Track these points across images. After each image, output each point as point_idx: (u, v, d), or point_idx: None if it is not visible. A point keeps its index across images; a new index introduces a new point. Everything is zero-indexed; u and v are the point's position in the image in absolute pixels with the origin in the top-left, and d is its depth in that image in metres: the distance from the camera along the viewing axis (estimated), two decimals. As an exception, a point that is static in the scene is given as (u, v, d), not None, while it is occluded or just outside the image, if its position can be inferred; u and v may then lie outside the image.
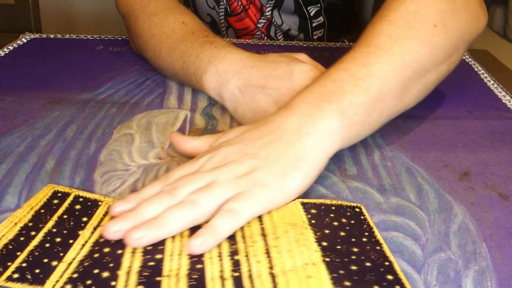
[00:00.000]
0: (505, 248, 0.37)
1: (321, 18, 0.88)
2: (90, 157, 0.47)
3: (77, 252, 0.34)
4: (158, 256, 0.34)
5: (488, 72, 0.68)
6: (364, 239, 0.36)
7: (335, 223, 0.38)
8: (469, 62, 0.73)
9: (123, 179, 0.44)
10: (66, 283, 0.32)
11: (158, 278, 0.32)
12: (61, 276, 0.32)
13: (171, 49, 0.59)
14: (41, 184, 0.43)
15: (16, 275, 0.32)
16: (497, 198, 0.43)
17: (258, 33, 0.88)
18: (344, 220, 0.38)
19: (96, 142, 0.49)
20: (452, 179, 0.45)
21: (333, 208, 0.39)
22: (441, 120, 0.55)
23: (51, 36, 0.79)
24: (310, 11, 0.86)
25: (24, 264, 0.33)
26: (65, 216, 0.38)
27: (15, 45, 0.74)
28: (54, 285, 0.32)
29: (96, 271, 0.33)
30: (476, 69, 0.70)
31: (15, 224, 0.37)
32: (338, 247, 0.35)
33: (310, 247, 0.35)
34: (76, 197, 0.40)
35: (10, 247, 0.35)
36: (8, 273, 0.32)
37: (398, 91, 0.45)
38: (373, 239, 0.36)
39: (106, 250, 0.35)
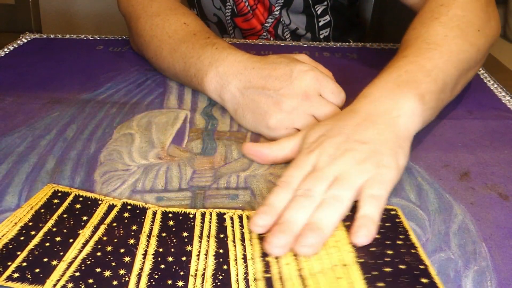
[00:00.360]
0: (505, 248, 0.37)
1: (327, 17, 0.88)
2: (90, 157, 0.47)
3: (77, 251, 0.35)
4: (170, 259, 0.34)
5: (488, 72, 0.68)
6: (399, 242, 0.36)
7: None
8: (469, 62, 0.73)
9: (123, 179, 0.44)
10: (68, 281, 0.32)
11: (169, 281, 0.32)
12: (61, 275, 0.32)
13: (172, 50, 0.59)
14: (41, 184, 0.43)
15: (16, 275, 0.32)
16: (497, 198, 0.43)
17: (264, 34, 0.88)
18: (379, 223, 0.38)
19: (96, 142, 0.49)
20: (452, 179, 0.45)
21: None
22: (441, 120, 0.55)
23: (51, 36, 0.79)
24: (317, 9, 0.87)
25: (24, 264, 0.33)
26: (65, 215, 0.38)
27: (15, 45, 0.74)
28: (55, 285, 0.32)
29: (98, 270, 0.33)
30: (476, 69, 0.70)
31: (15, 223, 0.37)
32: (373, 248, 0.35)
33: (342, 248, 0.35)
34: (76, 197, 0.41)
35: (10, 246, 0.35)
36: (8, 272, 0.33)
37: (453, 84, 0.51)
38: (408, 242, 0.36)
39: (109, 249, 0.35)
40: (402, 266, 0.34)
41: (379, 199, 0.37)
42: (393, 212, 0.40)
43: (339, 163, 0.39)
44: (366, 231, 0.36)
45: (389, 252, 0.35)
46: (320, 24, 0.89)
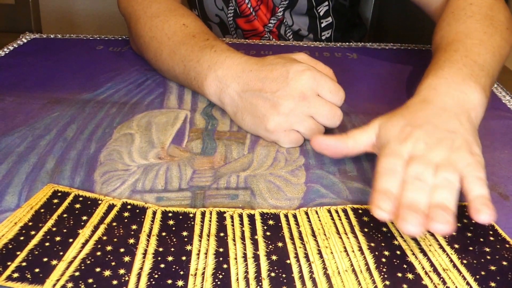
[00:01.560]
0: (505, 248, 0.37)
1: (329, 18, 0.89)
2: (90, 157, 0.47)
3: (77, 250, 0.35)
4: (170, 258, 0.34)
5: (488, 72, 0.68)
6: (491, 238, 0.37)
7: (458, 224, 0.38)
8: (469, 62, 0.73)
9: (123, 179, 0.44)
10: (67, 281, 0.32)
11: (169, 281, 0.32)
12: (61, 275, 0.32)
13: (172, 52, 0.59)
14: (41, 184, 0.43)
15: (16, 275, 0.32)
16: (497, 198, 0.42)
17: (267, 35, 0.88)
18: (465, 221, 0.39)
19: (96, 142, 0.49)
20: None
21: None
22: (441, 120, 0.54)
23: (51, 36, 0.79)
24: (319, 10, 0.87)
25: (23, 264, 0.33)
26: (65, 215, 0.38)
27: (15, 45, 0.74)
28: (54, 284, 0.32)
29: (98, 269, 0.33)
30: (476, 69, 0.70)
31: (15, 223, 0.37)
32: (471, 248, 0.36)
33: (435, 251, 0.36)
34: (76, 196, 0.41)
35: (10, 246, 0.35)
36: (7, 272, 0.32)
37: (496, 78, 0.53)
38: (499, 237, 0.37)
39: (109, 248, 0.35)
40: (504, 263, 0.34)
41: (485, 182, 0.38)
42: (465, 210, 0.40)
43: (437, 150, 0.39)
44: (488, 209, 0.35)
45: (487, 249, 0.36)
46: (323, 25, 0.89)
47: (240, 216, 0.39)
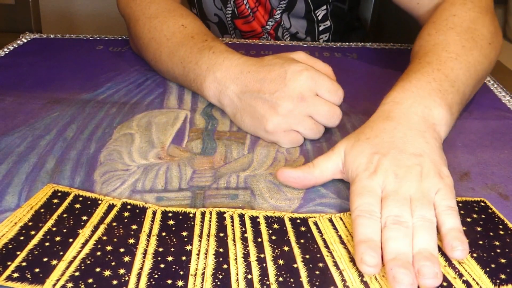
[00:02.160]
0: (505, 248, 0.37)
1: (327, 22, 0.88)
2: (90, 157, 0.47)
3: (77, 250, 0.35)
4: (170, 258, 0.34)
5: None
6: (501, 232, 0.38)
7: (468, 219, 0.39)
8: (469, 62, 0.73)
9: (123, 179, 0.44)
10: (67, 281, 0.32)
11: (169, 281, 0.32)
12: (61, 275, 0.32)
13: (171, 54, 0.59)
14: (41, 184, 0.43)
15: (16, 275, 0.32)
16: (497, 198, 0.43)
17: (265, 36, 0.88)
18: (475, 216, 0.39)
19: (96, 142, 0.49)
20: (452, 179, 0.45)
21: (460, 205, 0.41)
22: (441, 120, 0.54)
23: (51, 36, 0.79)
24: (318, 14, 0.87)
25: (23, 264, 0.33)
26: (64, 215, 0.38)
27: (15, 45, 0.74)
28: (54, 284, 0.32)
29: (98, 269, 0.33)
30: (476, 69, 0.70)
31: (15, 223, 0.37)
32: (481, 242, 0.36)
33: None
34: (76, 196, 0.41)
35: (10, 246, 0.35)
36: (7, 272, 0.32)
37: (469, 95, 0.53)
38: (509, 231, 0.38)
39: (109, 248, 0.35)
40: None
41: (456, 209, 0.37)
42: (483, 204, 0.41)
43: (408, 181, 0.38)
44: (461, 243, 0.35)
45: (497, 243, 0.36)
46: (320, 28, 0.89)
47: (240, 216, 0.39)
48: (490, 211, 0.40)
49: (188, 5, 0.99)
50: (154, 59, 0.62)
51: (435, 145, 0.42)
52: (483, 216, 0.39)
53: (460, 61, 0.50)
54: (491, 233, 0.37)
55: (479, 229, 0.38)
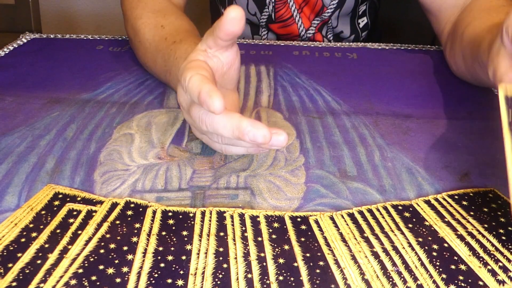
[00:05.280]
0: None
1: (364, 18, 0.88)
2: (90, 157, 0.47)
3: (81, 248, 0.35)
4: (170, 258, 0.34)
5: (488, 73, 0.68)
6: None
7: (485, 209, 0.40)
8: (469, 63, 0.73)
9: (123, 179, 0.44)
10: (71, 278, 0.32)
11: (169, 280, 0.32)
12: (64, 272, 0.32)
13: (153, 61, 0.59)
14: (41, 184, 0.43)
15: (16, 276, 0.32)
16: (497, 198, 0.43)
17: (303, 37, 0.87)
18: (493, 206, 0.40)
19: (96, 142, 0.49)
20: (453, 179, 0.45)
21: (471, 195, 0.42)
22: (441, 120, 0.55)
23: (51, 36, 0.79)
24: (359, 10, 0.86)
25: (25, 269, 0.33)
26: (70, 220, 0.38)
27: (15, 45, 0.74)
28: (58, 281, 0.32)
29: (101, 267, 0.33)
30: (476, 70, 0.70)
31: (15, 224, 0.37)
32: (501, 230, 0.37)
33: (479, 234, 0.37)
34: (76, 197, 0.40)
35: (11, 248, 0.35)
36: (9, 279, 0.32)
37: None
38: None
39: (112, 246, 0.35)
40: None
41: None
42: (491, 195, 0.42)
43: None
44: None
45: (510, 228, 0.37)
46: (360, 26, 0.88)
47: (241, 215, 0.39)
48: (500, 202, 0.41)
49: (211, 11, 0.98)
50: (144, 64, 0.63)
51: None
52: (493, 205, 0.40)
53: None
54: (502, 219, 0.38)
55: (502, 219, 0.39)
